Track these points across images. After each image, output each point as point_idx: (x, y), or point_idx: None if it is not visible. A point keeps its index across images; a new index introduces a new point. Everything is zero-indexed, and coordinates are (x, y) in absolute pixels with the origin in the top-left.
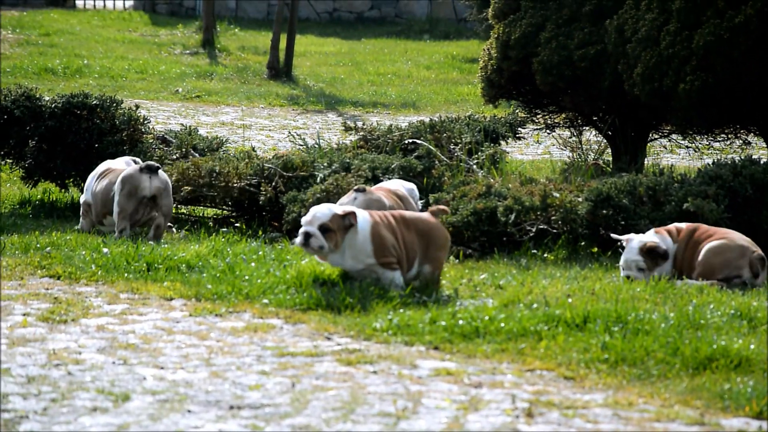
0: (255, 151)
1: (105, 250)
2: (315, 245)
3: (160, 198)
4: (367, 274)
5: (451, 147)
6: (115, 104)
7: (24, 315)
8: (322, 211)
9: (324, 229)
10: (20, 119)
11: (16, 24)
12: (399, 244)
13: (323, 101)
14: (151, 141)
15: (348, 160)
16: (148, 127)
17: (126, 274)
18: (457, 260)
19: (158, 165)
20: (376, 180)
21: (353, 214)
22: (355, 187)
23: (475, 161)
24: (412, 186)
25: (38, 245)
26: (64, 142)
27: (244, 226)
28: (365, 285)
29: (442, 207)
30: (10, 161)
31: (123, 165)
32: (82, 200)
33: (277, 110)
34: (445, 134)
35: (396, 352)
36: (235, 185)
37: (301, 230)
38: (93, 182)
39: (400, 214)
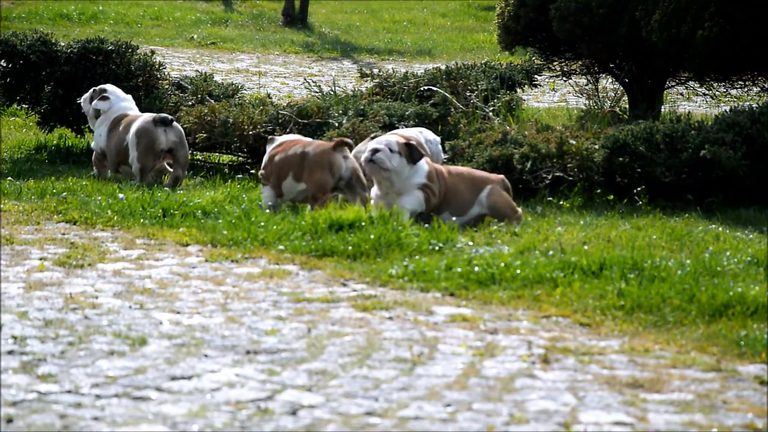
0: (270, 98)
1: (121, 195)
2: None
3: (177, 150)
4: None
5: (467, 94)
6: (130, 50)
7: (41, 259)
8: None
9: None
10: (36, 64)
11: None
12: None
13: (338, 49)
14: (166, 87)
15: (363, 107)
16: (164, 73)
17: (142, 220)
18: None
19: (171, 117)
20: (391, 127)
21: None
22: (372, 135)
23: (491, 108)
24: (435, 138)
25: (54, 190)
26: (79, 87)
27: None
28: (380, 231)
29: (343, 140)
30: (26, 106)
31: (131, 110)
32: (96, 149)
33: (292, 57)
34: (460, 81)
35: (412, 299)
36: (251, 133)
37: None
38: (104, 131)
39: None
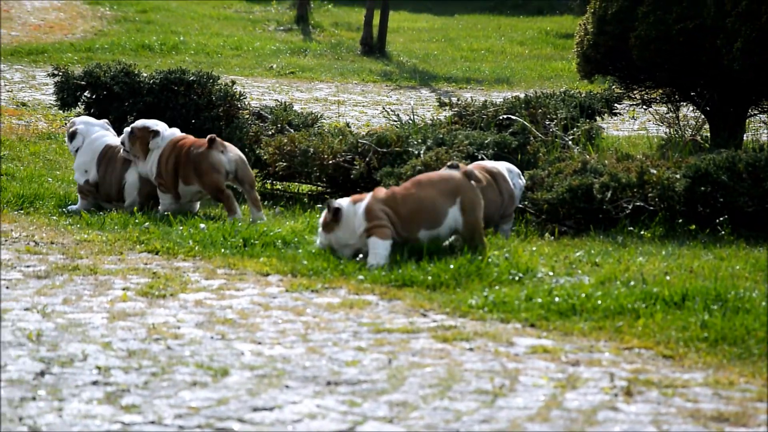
0: (349, 127)
1: (202, 225)
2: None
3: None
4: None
5: (546, 123)
6: (211, 80)
7: (124, 289)
8: None
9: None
10: (119, 95)
11: (113, 1)
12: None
13: (416, 77)
14: (246, 117)
15: (442, 136)
16: (244, 103)
17: (223, 250)
18: (553, 237)
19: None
20: (473, 157)
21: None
22: (449, 163)
23: (571, 137)
24: (515, 170)
25: (137, 221)
26: (161, 117)
27: None
28: (460, 262)
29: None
30: None
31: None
32: (86, 180)
33: (370, 86)
34: (540, 110)
35: (492, 329)
36: (330, 162)
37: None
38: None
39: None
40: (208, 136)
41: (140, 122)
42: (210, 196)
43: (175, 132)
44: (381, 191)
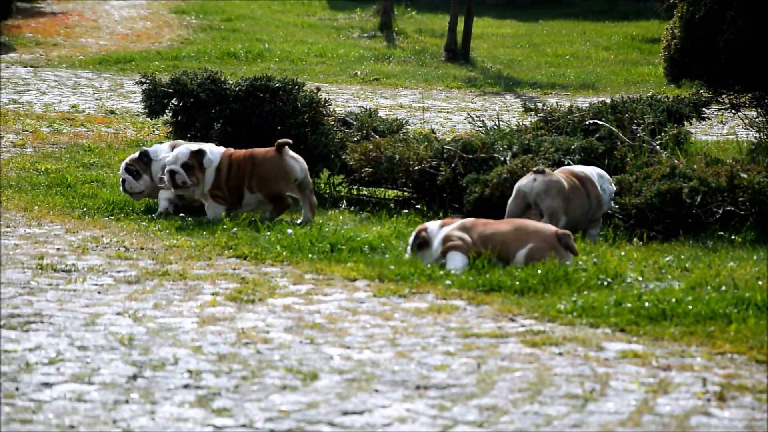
0: (434, 133)
1: (289, 231)
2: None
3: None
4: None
5: (633, 128)
6: (296, 87)
7: (213, 294)
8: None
9: None
10: (206, 102)
11: (199, 10)
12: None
13: (501, 83)
14: (332, 123)
15: (528, 142)
16: (329, 110)
17: (310, 255)
18: (641, 242)
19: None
20: (560, 162)
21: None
22: (534, 168)
23: (658, 142)
24: (606, 176)
25: (225, 226)
26: (247, 124)
27: (424, 208)
28: (548, 267)
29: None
30: None
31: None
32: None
33: (454, 92)
34: (626, 115)
35: (581, 334)
36: (416, 168)
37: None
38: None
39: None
40: (278, 143)
41: (183, 151)
42: (268, 202)
43: (213, 146)
44: (468, 221)
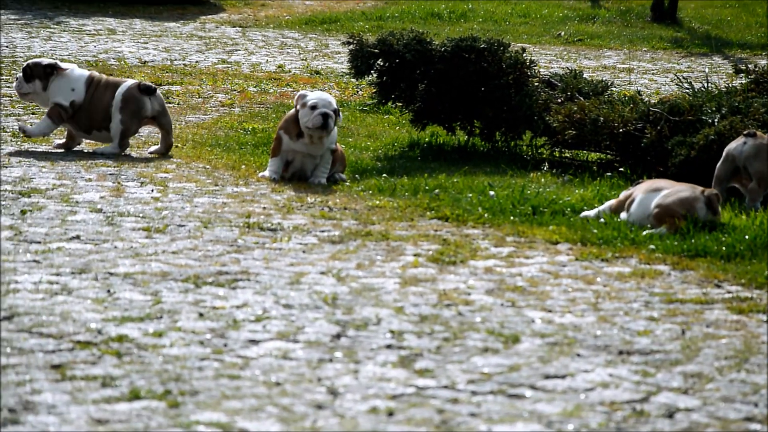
0: (640, 96)
1: (491, 193)
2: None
3: (160, 117)
4: None
5: None
6: (501, 48)
7: (415, 255)
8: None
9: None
10: (411, 63)
11: None
12: None
13: (709, 44)
14: (536, 84)
15: (737, 104)
16: (534, 71)
17: (512, 217)
18: None
19: (155, 86)
20: None
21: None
22: (746, 132)
23: None
24: None
25: (427, 187)
26: (451, 85)
27: (628, 171)
28: (756, 232)
29: None
30: (401, 104)
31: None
32: (60, 102)
33: (660, 53)
34: None
35: None
36: (621, 131)
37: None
38: (82, 87)
39: None
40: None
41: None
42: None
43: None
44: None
